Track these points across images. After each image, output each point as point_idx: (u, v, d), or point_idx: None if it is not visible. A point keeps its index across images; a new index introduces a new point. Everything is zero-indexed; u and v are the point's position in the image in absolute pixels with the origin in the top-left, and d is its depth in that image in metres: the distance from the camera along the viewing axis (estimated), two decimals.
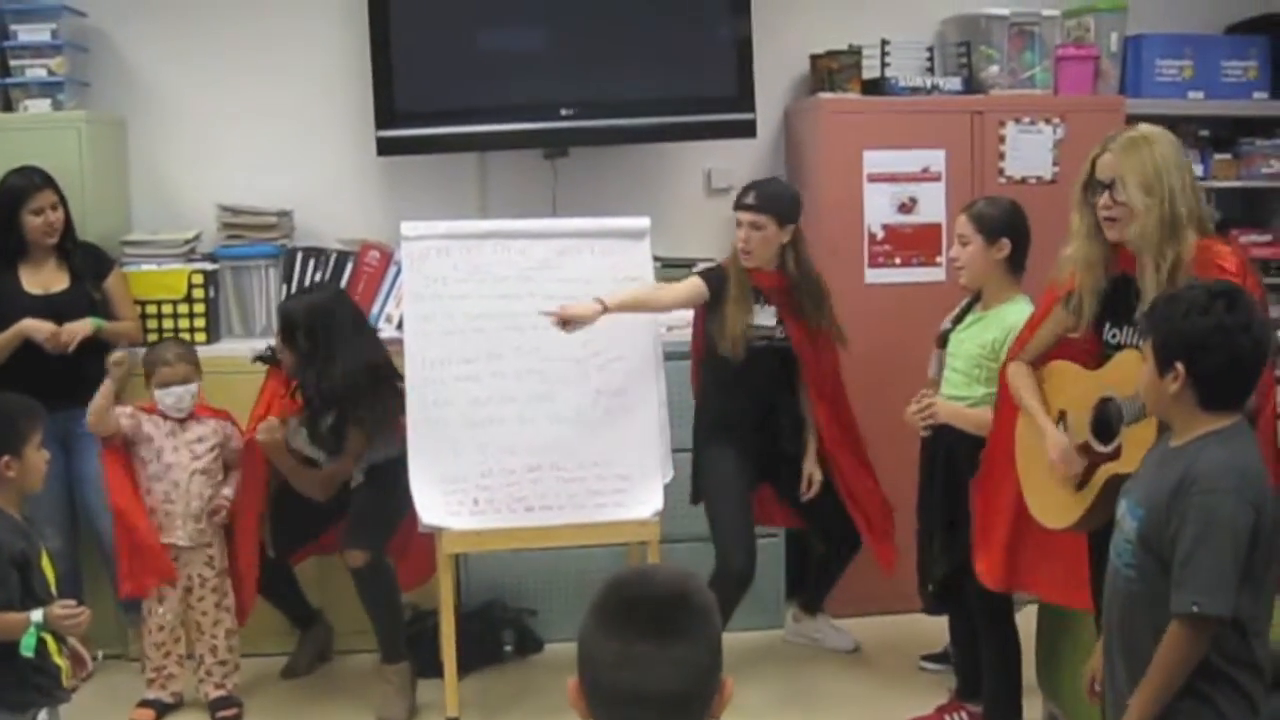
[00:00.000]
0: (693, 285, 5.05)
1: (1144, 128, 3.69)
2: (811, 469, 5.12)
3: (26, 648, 3.54)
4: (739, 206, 5.00)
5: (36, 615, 3.57)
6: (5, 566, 3.57)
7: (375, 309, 5.56)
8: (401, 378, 4.92)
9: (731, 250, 5.08)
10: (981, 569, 4.24)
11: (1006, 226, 4.47)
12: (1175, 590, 2.83)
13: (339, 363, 4.87)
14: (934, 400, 4.59)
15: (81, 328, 5.09)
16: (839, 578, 5.52)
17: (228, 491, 5.04)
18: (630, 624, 1.90)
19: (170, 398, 4.92)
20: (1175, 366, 2.91)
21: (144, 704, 5.02)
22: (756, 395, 5.07)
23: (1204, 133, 6.28)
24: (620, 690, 1.89)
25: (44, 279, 5.19)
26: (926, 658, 5.34)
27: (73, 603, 3.71)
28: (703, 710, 1.93)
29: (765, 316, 5.04)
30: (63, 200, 5.18)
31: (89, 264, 5.27)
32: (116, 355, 4.91)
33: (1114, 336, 3.70)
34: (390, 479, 4.88)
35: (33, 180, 5.11)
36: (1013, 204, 4.59)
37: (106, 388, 4.81)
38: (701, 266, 5.33)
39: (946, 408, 4.56)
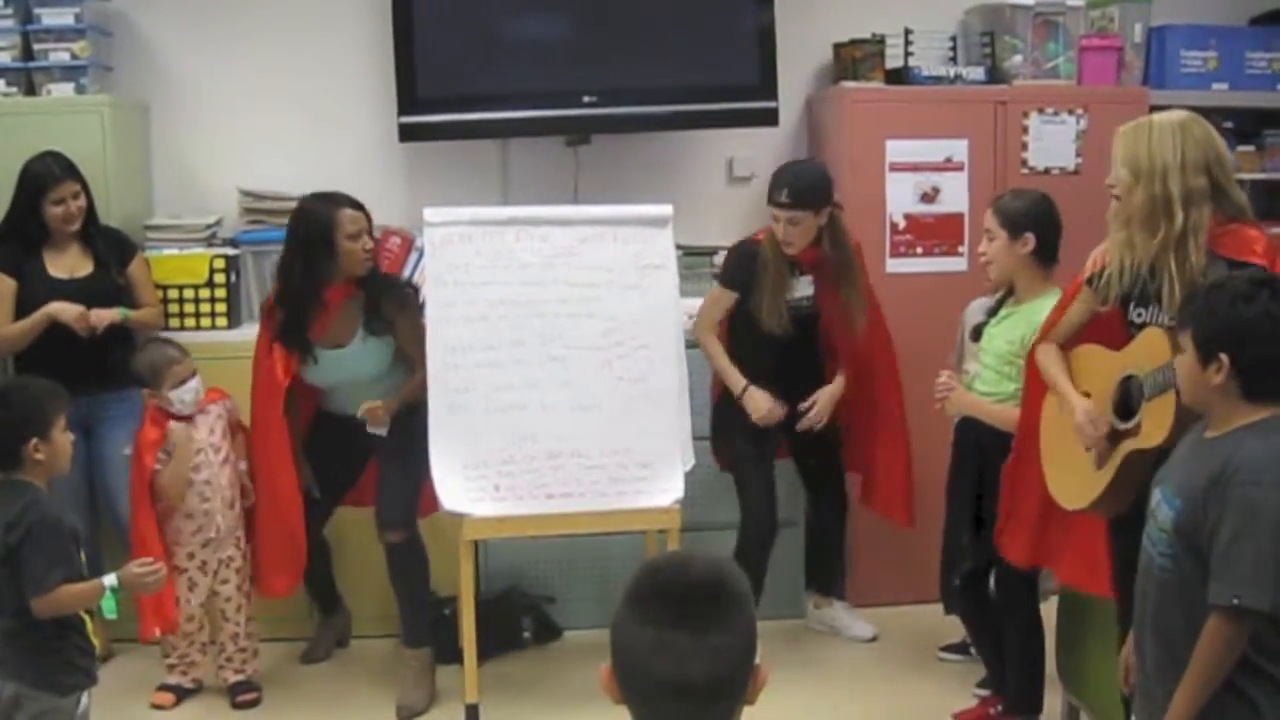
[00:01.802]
0: (722, 299, 5.23)
1: (1161, 114, 3.70)
2: (822, 406, 5.21)
3: (109, 610, 3.60)
4: (774, 203, 5.05)
5: (110, 579, 3.62)
6: (67, 541, 3.63)
7: None
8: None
9: (769, 229, 5.13)
10: (1006, 544, 4.24)
11: (1031, 221, 4.43)
12: (1215, 582, 2.80)
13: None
14: (954, 386, 4.59)
15: (110, 314, 5.09)
16: (839, 553, 5.59)
17: (243, 465, 5.07)
18: (665, 613, 1.89)
19: (189, 394, 4.91)
20: (1220, 357, 2.88)
21: (164, 688, 5.04)
22: (780, 353, 5.15)
23: (1228, 124, 6.21)
24: (655, 679, 1.88)
25: (69, 264, 5.18)
26: (945, 648, 5.34)
27: (150, 559, 3.80)
28: (737, 697, 1.93)
29: (803, 286, 5.15)
30: (85, 187, 5.17)
31: (112, 249, 5.27)
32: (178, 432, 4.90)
33: (1139, 316, 3.69)
34: (412, 429, 4.91)
35: (53, 171, 5.09)
36: (1041, 197, 4.54)
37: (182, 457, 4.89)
38: (725, 253, 5.40)
39: (964, 399, 4.55)
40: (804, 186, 5.02)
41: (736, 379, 5.17)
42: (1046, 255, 4.45)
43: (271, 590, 5.08)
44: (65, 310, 5.04)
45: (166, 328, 5.39)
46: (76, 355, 4.97)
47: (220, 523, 4.95)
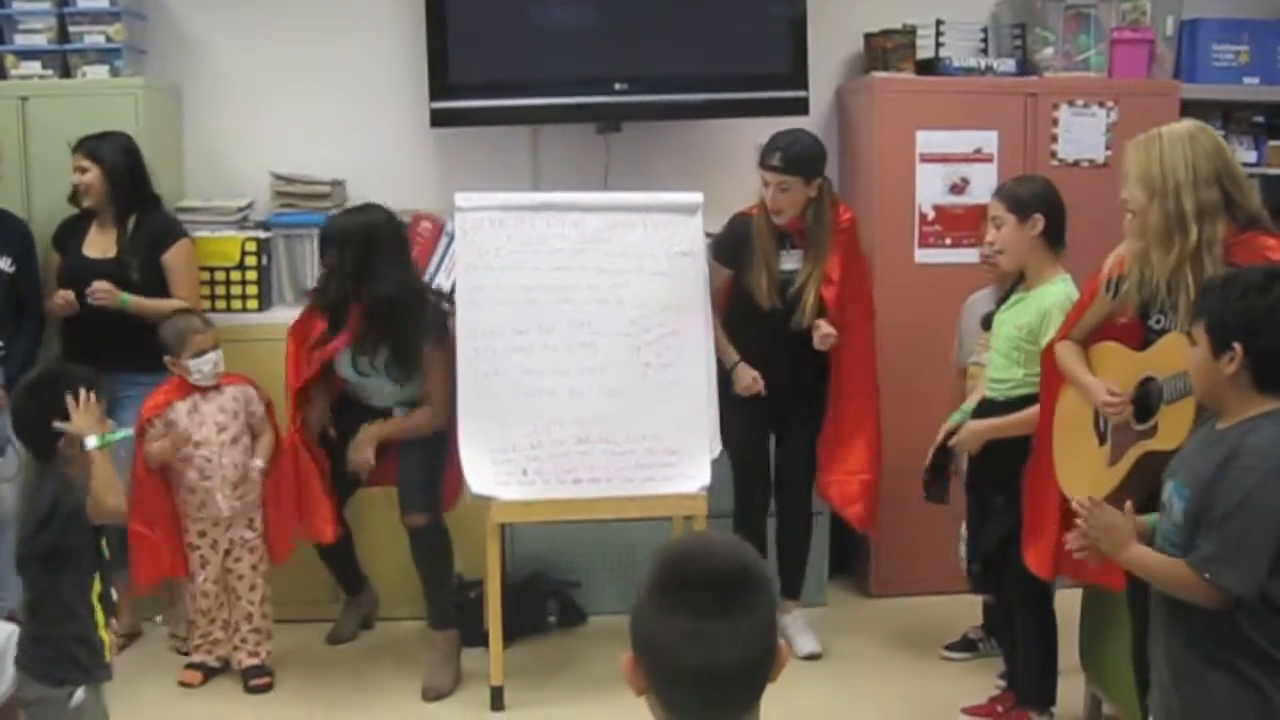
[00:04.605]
0: (715, 273, 5.18)
1: (1169, 125, 3.70)
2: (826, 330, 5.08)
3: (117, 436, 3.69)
4: (764, 166, 5.03)
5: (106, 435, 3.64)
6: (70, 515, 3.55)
7: (426, 279, 5.56)
8: (447, 298, 5.12)
9: (760, 201, 5.11)
10: (1031, 559, 4.23)
11: (1039, 202, 4.46)
12: (1197, 546, 2.86)
13: (381, 281, 4.89)
14: (960, 433, 4.63)
15: (105, 291, 5.08)
16: (803, 559, 5.47)
17: (258, 462, 5.04)
18: (696, 603, 1.88)
19: (207, 364, 4.94)
20: (1233, 347, 2.90)
21: (191, 666, 5.08)
22: (771, 326, 5.11)
23: (1259, 119, 6.24)
24: (689, 667, 1.88)
25: (104, 243, 5.24)
26: (949, 647, 5.32)
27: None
28: (764, 678, 1.93)
29: (792, 259, 5.12)
30: (103, 166, 5.17)
31: (144, 236, 5.25)
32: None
33: (1158, 322, 3.70)
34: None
35: (78, 143, 5.19)
36: (1045, 180, 4.61)
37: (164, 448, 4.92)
38: (722, 228, 5.33)
39: (978, 429, 4.57)
40: (798, 153, 5.00)
41: (730, 355, 5.14)
42: (1054, 236, 4.48)
43: (278, 555, 5.09)
44: (53, 306, 5.16)
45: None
46: (92, 337, 5.07)
47: (221, 503, 4.96)
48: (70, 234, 5.28)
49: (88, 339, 5.10)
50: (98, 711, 3.69)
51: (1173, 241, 3.54)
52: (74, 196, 5.25)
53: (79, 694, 3.58)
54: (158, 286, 5.24)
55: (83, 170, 5.19)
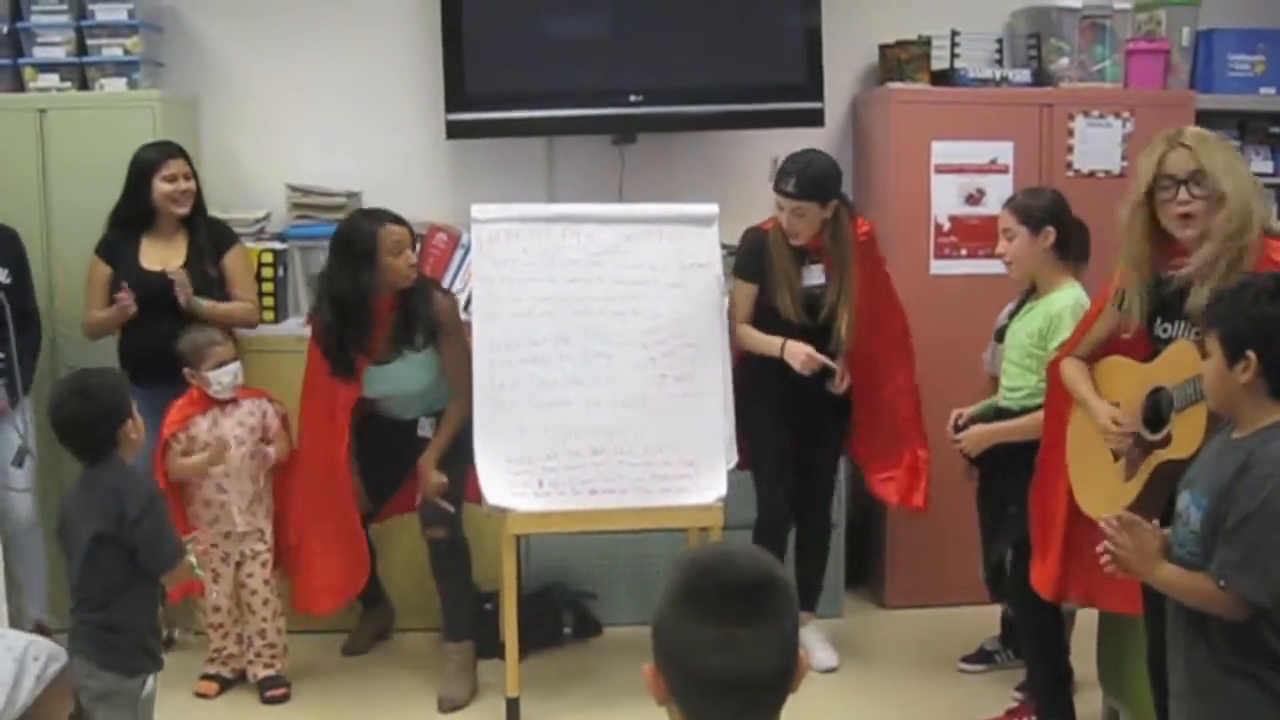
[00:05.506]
0: (745, 292, 5.17)
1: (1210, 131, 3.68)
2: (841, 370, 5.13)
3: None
4: (779, 191, 5.01)
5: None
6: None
7: None
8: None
9: (775, 217, 5.11)
10: (1036, 579, 4.22)
11: (1049, 215, 4.49)
12: (1215, 554, 2.86)
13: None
14: (961, 438, 4.66)
15: (188, 290, 5.11)
16: (820, 570, 5.49)
17: (271, 450, 5.09)
18: (723, 610, 1.88)
19: (227, 376, 4.96)
20: (1247, 355, 2.89)
21: (207, 677, 5.09)
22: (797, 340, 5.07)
23: (1275, 129, 6.22)
24: (718, 675, 1.88)
25: (164, 254, 5.21)
26: (966, 659, 5.30)
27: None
28: (788, 686, 1.93)
29: (814, 274, 5.12)
30: (195, 174, 5.25)
31: (211, 240, 5.29)
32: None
33: (1165, 331, 3.69)
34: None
35: (166, 148, 5.19)
36: (1054, 193, 4.65)
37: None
38: (738, 245, 5.30)
39: (982, 433, 4.60)
40: (812, 177, 4.98)
41: (772, 341, 5.06)
42: (1064, 248, 4.51)
43: (317, 606, 5.11)
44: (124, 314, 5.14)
45: (260, 322, 5.50)
46: (153, 348, 5.05)
47: (237, 518, 4.98)
48: (120, 247, 5.21)
49: (140, 352, 5.12)
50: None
51: (1236, 241, 3.47)
52: (131, 209, 5.18)
53: (150, 683, 3.71)
54: (219, 291, 5.27)
55: (187, 176, 5.20)
